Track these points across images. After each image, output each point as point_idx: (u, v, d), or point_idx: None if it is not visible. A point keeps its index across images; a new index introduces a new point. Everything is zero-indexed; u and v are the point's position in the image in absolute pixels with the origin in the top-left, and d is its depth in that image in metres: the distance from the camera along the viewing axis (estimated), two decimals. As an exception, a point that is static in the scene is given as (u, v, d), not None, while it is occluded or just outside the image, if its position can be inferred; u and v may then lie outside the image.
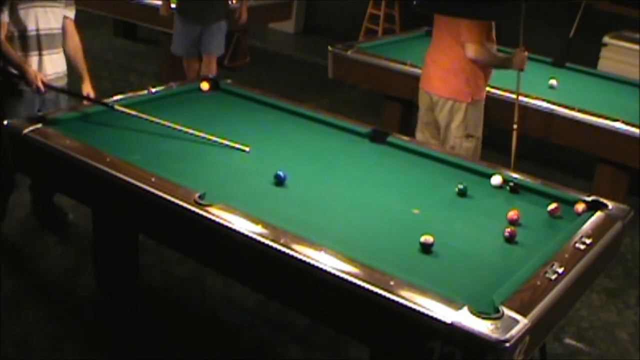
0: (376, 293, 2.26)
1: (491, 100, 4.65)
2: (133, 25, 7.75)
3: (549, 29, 7.15)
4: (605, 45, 6.43)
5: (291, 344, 3.40)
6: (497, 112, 4.70)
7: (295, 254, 2.44)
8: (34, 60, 3.73)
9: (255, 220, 2.60)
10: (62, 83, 3.87)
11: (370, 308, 2.30)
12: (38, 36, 3.72)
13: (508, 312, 2.19)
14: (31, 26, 3.70)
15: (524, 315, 2.19)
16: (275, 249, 2.47)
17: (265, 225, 2.58)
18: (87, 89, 3.85)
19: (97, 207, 3.41)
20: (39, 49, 3.74)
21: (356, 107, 6.57)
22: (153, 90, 3.96)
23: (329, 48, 5.34)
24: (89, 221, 3.59)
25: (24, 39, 3.71)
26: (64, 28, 3.86)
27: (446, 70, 4.22)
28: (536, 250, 2.66)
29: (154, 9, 6.33)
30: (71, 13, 3.89)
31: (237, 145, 3.32)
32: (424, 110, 4.38)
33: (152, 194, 2.80)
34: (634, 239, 4.44)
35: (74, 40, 3.90)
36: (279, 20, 7.95)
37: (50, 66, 3.78)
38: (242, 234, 2.56)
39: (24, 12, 3.67)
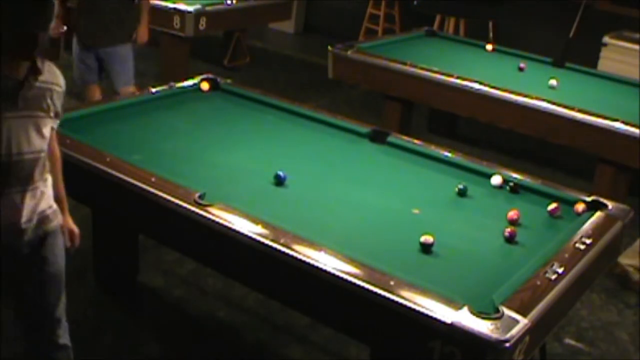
0: (376, 293, 2.26)
1: (490, 100, 4.66)
2: (133, 25, 7.74)
3: (549, 29, 7.16)
4: (605, 45, 6.43)
5: (291, 344, 3.40)
6: (496, 112, 4.71)
7: (295, 254, 2.44)
8: None
9: (255, 220, 2.60)
10: (50, 226, 2.46)
11: (370, 308, 2.30)
12: (8, 165, 2.26)
13: (508, 312, 2.19)
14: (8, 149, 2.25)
15: (524, 315, 2.19)
16: (275, 249, 2.47)
17: (265, 225, 2.58)
18: (68, 224, 2.65)
19: (97, 207, 3.41)
20: (8, 185, 2.29)
21: (356, 107, 6.57)
22: (153, 90, 3.96)
23: (329, 48, 5.33)
24: (89, 221, 3.59)
25: None
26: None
27: None
28: (536, 250, 2.66)
29: (154, 9, 6.33)
30: (57, 123, 2.46)
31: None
32: None
33: (152, 194, 2.80)
34: (634, 239, 4.44)
35: (55, 154, 2.55)
36: (279, 20, 7.94)
37: (25, 210, 2.34)
38: (242, 234, 2.56)
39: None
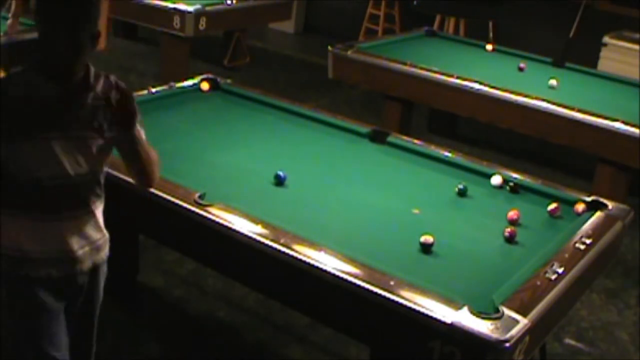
0: (376, 293, 2.26)
1: (490, 100, 4.66)
2: (133, 25, 7.75)
3: (549, 29, 7.16)
4: (605, 45, 6.43)
5: (291, 344, 3.40)
6: (496, 112, 4.71)
7: (295, 254, 2.44)
8: (44, 229, 2.16)
9: (255, 220, 2.61)
10: (100, 257, 2.36)
11: (370, 308, 2.30)
12: (56, 188, 2.12)
13: (508, 312, 2.19)
14: (43, 171, 2.09)
15: (524, 315, 2.19)
16: (275, 249, 2.47)
17: (265, 225, 2.58)
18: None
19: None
20: (57, 211, 2.16)
21: (356, 107, 6.56)
22: (153, 90, 3.96)
23: (329, 48, 5.33)
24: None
25: (26, 194, 2.13)
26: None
27: None
28: (536, 250, 2.66)
29: (154, 9, 6.33)
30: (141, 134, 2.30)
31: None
32: None
33: (152, 194, 2.80)
34: (634, 239, 4.44)
35: (145, 154, 2.34)
36: (279, 20, 7.94)
37: (77, 237, 2.22)
38: (242, 234, 2.56)
39: (32, 147, 2.07)
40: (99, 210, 2.30)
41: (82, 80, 2.11)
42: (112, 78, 2.21)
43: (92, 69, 2.16)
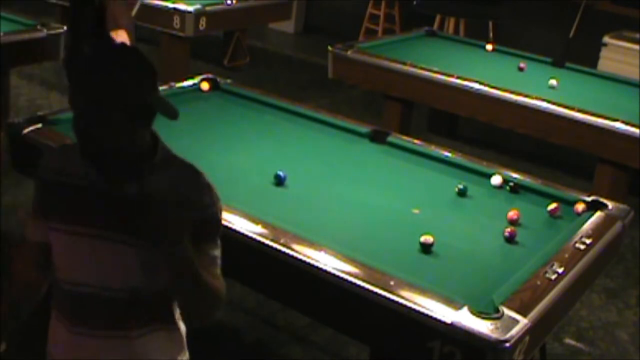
0: (376, 293, 2.26)
1: (490, 100, 4.66)
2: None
3: (549, 29, 7.16)
4: (605, 45, 6.43)
5: (291, 344, 3.40)
6: (495, 112, 4.71)
7: (295, 254, 2.44)
8: (71, 341, 1.77)
9: (255, 220, 2.60)
10: None
11: (370, 308, 2.30)
12: (76, 295, 1.73)
13: (508, 312, 2.19)
14: (62, 269, 1.76)
15: (524, 315, 2.19)
16: (275, 249, 2.47)
17: (265, 225, 2.58)
18: None
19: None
20: (85, 324, 1.74)
21: (356, 107, 6.57)
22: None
23: (329, 48, 5.33)
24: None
25: (56, 295, 1.81)
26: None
27: None
28: (536, 250, 2.66)
29: (154, 9, 6.33)
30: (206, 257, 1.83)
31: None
32: None
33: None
34: (634, 239, 4.45)
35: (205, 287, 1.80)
36: (279, 20, 7.95)
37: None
38: (242, 234, 2.56)
39: (64, 241, 1.73)
40: (149, 341, 1.75)
41: (131, 167, 1.65)
42: (191, 170, 1.80)
43: (159, 155, 1.74)
